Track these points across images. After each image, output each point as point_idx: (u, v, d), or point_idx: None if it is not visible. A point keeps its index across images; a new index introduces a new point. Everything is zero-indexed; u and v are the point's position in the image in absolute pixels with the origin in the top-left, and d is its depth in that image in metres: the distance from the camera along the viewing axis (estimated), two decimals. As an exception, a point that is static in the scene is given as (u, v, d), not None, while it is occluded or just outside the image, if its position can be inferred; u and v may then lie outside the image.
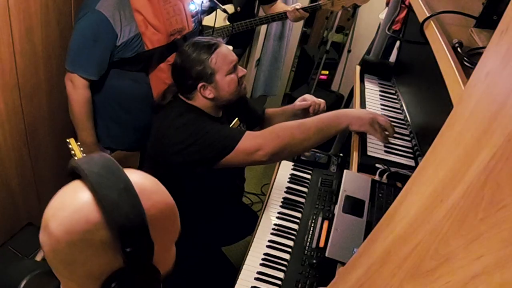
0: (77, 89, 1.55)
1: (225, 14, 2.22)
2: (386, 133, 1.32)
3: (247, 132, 1.31)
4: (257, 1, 2.47)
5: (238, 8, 2.32)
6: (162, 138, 1.35)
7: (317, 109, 1.57)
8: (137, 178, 0.61)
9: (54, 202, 0.59)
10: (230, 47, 1.47)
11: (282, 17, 2.29)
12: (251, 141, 1.29)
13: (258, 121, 1.69)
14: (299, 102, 1.60)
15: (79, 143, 1.58)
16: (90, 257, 0.57)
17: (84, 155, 1.46)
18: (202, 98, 1.38)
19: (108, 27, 1.46)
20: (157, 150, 1.39)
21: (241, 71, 1.42)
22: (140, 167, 1.79)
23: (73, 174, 0.61)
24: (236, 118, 1.64)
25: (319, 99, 1.60)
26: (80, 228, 0.55)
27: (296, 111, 1.60)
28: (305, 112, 1.59)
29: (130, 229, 0.55)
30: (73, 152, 1.57)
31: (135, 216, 0.56)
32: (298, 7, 2.22)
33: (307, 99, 1.59)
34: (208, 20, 2.19)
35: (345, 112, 1.37)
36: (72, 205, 0.57)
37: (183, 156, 1.31)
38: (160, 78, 1.66)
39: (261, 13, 2.52)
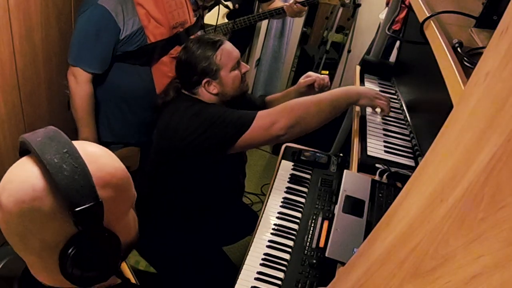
0: (80, 83, 1.55)
1: (224, 11, 2.23)
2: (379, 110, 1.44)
3: (259, 111, 1.34)
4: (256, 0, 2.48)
5: (236, 5, 2.33)
6: (176, 131, 1.36)
7: (322, 83, 1.59)
8: (85, 145, 0.63)
9: (4, 178, 0.60)
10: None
11: (280, 12, 2.30)
12: (266, 117, 1.32)
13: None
14: (303, 79, 1.61)
15: None
16: (42, 225, 0.58)
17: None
18: (207, 93, 1.41)
19: (111, 21, 1.47)
20: (169, 144, 1.39)
21: (244, 67, 1.46)
22: (143, 163, 1.78)
23: (24, 152, 0.62)
24: None
25: (322, 75, 1.62)
26: (28, 196, 0.56)
27: (301, 88, 1.61)
28: (310, 89, 1.61)
29: (75, 190, 0.56)
30: None
31: (79, 176, 0.57)
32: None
33: (311, 75, 1.61)
34: (208, 18, 2.20)
35: (353, 87, 1.45)
36: (19, 176, 0.58)
37: (201, 142, 1.32)
38: (163, 71, 1.67)
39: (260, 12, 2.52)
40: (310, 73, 1.62)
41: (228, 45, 1.41)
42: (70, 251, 0.58)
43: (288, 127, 1.31)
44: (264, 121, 1.31)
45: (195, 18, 1.78)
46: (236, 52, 1.42)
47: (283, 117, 1.30)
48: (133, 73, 1.65)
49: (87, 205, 0.56)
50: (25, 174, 0.58)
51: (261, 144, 1.47)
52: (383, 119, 1.44)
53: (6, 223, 0.59)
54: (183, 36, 1.66)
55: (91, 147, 0.64)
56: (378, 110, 1.46)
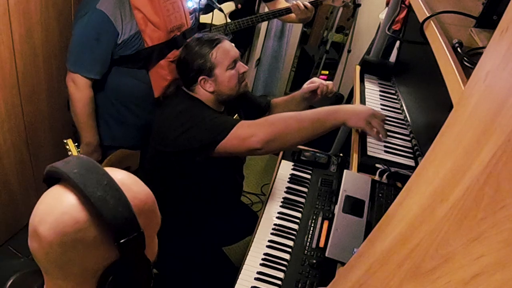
0: (80, 89, 1.55)
1: (226, 11, 2.22)
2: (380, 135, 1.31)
3: (242, 121, 1.33)
4: None
5: (239, 6, 2.31)
6: (164, 125, 1.38)
7: (325, 90, 1.57)
8: (115, 173, 0.63)
9: (39, 209, 0.60)
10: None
11: (283, 13, 2.18)
12: (245, 128, 1.30)
13: (261, 113, 1.68)
14: (307, 85, 1.60)
15: (76, 144, 1.57)
16: (84, 255, 0.59)
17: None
18: (203, 91, 1.42)
19: (110, 26, 1.47)
20: (159, 139, 1.41)
21: (242, 67, 1.45)
22: (141, 166, 1.78)
23: (49, 179, 0.62)
24: (236, 114, 1.65)
25: (327, 81, 1.60)
26: (70, 229, 0.57)
27: (305, 94, 1.60)
28: (313, 95, 1.60)
29: (120, 222, 0.57)
30: (70, 153, 1.57)
31: (123, 208, 0.58)
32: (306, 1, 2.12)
33: (315, 81, 1.59)
34: (207, 18, 2.19)
35: (344, 107, 1.35)
36: (58, 207, 0.58)
37: (182, 141, 1.33)
38: (161, 75, 1.67)
39: (265, 10, 2.49)
40: (314, 79, 1.61)
41: (226, 44, 1.41)
42: (110, 277, 0.60)
43: (266, 142, 1.28)
44: (242, 131, 1.29)
45: (191, 21, 1.78)
46: (234, 52, 1.42)
47: (261, 131, 1.28)
48: (130, 76, 1.65)
49: (131, 236, 0.58)
50: (65, 206, 0.58)
51: (239, 154, 1.45)
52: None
53: (46, 254, 0.59)
54: (180, 39, 1.66)
55: (120, 174, 0.64)
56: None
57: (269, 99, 1.74)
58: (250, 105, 1.66)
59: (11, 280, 0.69)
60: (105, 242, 0.58)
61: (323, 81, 1.59)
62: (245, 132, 1.29)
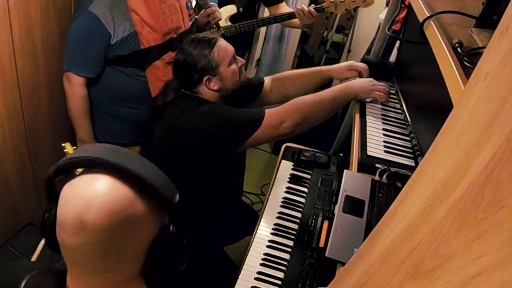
0: (74, 87, 1.60)
1: (227, 14, 2.22)
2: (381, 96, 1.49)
3: (267, 110, 1.40)
4: (259, 2, 2.44)
5: (241, 9, 2.31)
6: (186, 130, 1.38)
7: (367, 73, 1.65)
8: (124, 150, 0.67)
9: (75, 201, 0.58)
10: None
11: (284, 18, 2.13)
12: (274, 116, 1.38)
13: (256, 92, 1.69)
14: (349, 65, 1.65)
15: (75, 147, 1.59)
16: (139, 230, 0.60)
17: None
18: (208, 90, 1.43)
19: (101, 27, 1.51)
20: (178, 143, 1.41)
21: (240, 61, 1.50)
22: None
23: (57, 175, 0.62)
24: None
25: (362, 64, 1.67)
26: (121, 206, 0.58)
27: (344, 74, 1.65)
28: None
29: (166, 187, 0.61)
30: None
31: (160, 175, 0.62)
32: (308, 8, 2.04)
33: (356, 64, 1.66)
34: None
35: (352, 83, 1.50)
36: (99, 191, 0.58)
37: (213, 142, 1.36)
38: (157, 76, 1.70)
39: (266, 14, 2.47)
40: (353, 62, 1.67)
41: (222, 42, 1.44)
42: (159, 246, 0.63)
43: (294, 126, 1.38)
44: (273, 120, 1.37)
45: (190, 23, 1.79)
46: (231, 47, 1.46)
47: (290, 116, 1.37)
48: (127, 74, 1.67)
49: (178, 197, 0.62)
50: (107, 186, 0.58)
51: (268, 141, 1.51)
52: (383, 118, 1.44)
53: (99, 243, 0.58)
54: (176, 41, 1.69)
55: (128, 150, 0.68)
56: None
57: (262, 79, 1.71)
58: (245, 91, 1.63)
59: (25, 280, 0.68)
60: (153, 211, 0.60)
61: (362, 64, 1.66)
62: (276, 120, 1.37)
